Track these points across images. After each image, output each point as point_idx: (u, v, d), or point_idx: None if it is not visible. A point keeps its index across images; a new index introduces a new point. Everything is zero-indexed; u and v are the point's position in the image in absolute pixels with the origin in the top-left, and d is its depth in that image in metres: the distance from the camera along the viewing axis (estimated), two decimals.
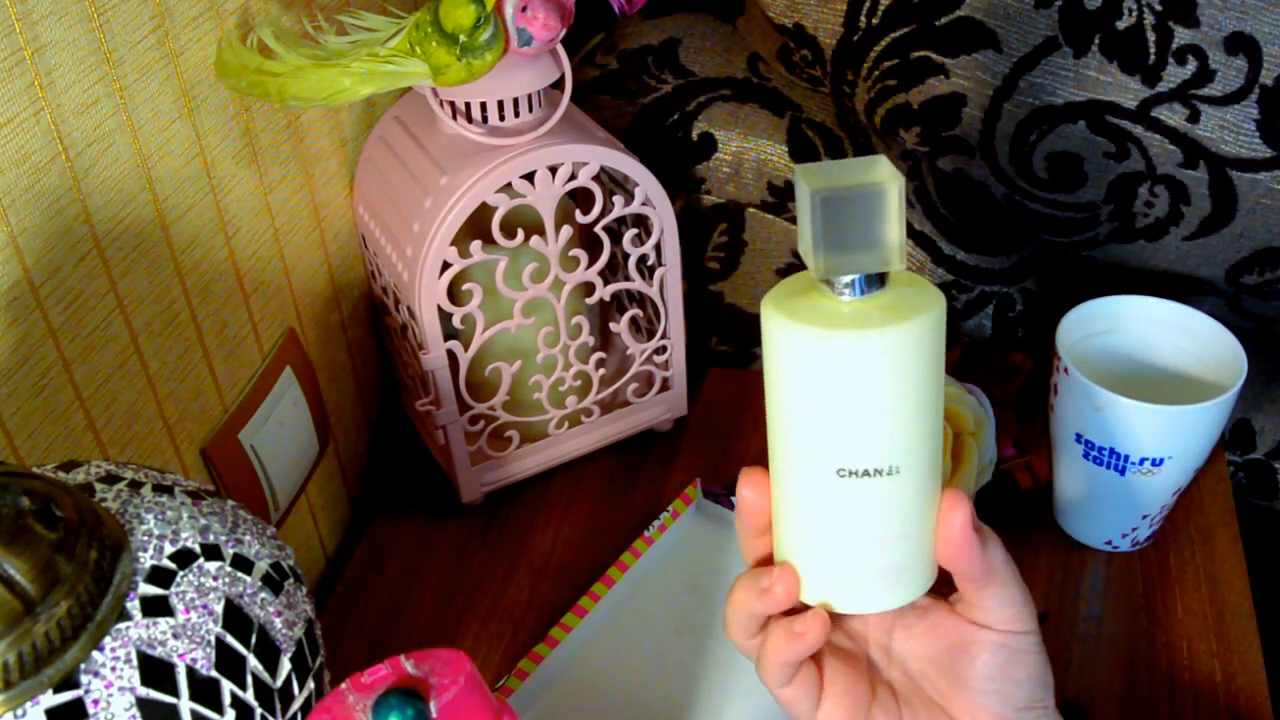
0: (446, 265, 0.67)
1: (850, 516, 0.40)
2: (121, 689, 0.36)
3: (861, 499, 0.40)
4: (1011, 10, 0.72)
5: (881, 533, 0.40)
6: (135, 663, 0.36)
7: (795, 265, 0.86)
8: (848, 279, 0.38)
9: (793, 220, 0.84)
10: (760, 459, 0.43)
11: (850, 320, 0.38)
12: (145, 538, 0.39)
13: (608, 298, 0.76)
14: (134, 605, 0.37)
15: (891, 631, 0.46)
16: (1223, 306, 0.83)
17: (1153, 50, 0.71)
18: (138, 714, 0.36)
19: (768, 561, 0.45)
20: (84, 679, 0.35)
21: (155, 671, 0.36)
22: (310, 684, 0.42)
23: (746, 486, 0.43)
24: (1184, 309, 0.71)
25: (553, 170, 0.68)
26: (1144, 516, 0.70)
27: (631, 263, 0.74)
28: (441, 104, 0.67)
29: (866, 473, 0.39)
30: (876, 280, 0.38)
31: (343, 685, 0.38)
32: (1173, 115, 0.72)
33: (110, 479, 0.41)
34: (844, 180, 0.37)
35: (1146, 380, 0.72)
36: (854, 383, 0.38)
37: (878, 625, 0.46)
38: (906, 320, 0.38)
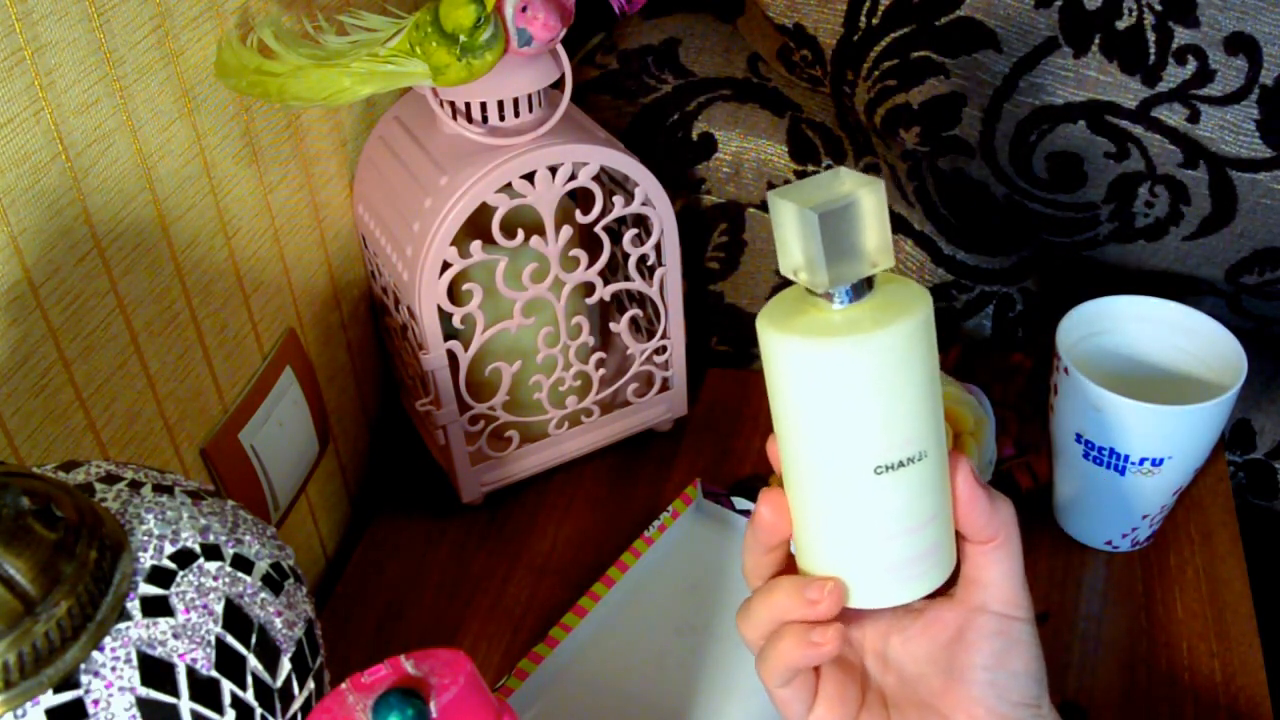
0: (446, 265, 0.67)
1: (889, 510, 0.41)
2: (121, 689, 0.36)
3: (898, 490, 0.41)
4: (1011, 10, 0.72)
5: (918, 518, 0.42)
6: (135, 663, 0.36)
7: None
8: (845, 286, 0.39)
9: None
10: (761, 459, 0.43)
11: (864, 324, 0.39)
12: (145, 538, 0.39)
13: (608, 298, 0.76)
14: (134, 605, 0.37)
15: (888, 637, 0.47)
16: (1223, 306, 0.83)
17: (1153, 50, 0.71)
18: (138, 714, 0.36)
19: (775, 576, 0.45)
20: (84, 679, 0.35)
21: (155, 671, 0.36)
22: (310, 684, 0.42)
23: (766, 505, 0.44)
24: (1184, 309, 0.71)
25: (553, 170, 0.68)
26: (1144, 516, 0.70)
27: (631, 263, 0.74)
28: (441, 104, 0.67)
29: (901, 464, 0.40)
30: (865, 284, 0.40)
31: (343, 685, 0.38)
32: (1173, 115, 0.72)
33: (110, 479, 0.41)
34: (826, 195, 0.39)
35: (1146, 380, 0.72)
36: (880, 382, 0.39)
37: (875, 632, 0.47)
38: (911, 311, 0.40)
